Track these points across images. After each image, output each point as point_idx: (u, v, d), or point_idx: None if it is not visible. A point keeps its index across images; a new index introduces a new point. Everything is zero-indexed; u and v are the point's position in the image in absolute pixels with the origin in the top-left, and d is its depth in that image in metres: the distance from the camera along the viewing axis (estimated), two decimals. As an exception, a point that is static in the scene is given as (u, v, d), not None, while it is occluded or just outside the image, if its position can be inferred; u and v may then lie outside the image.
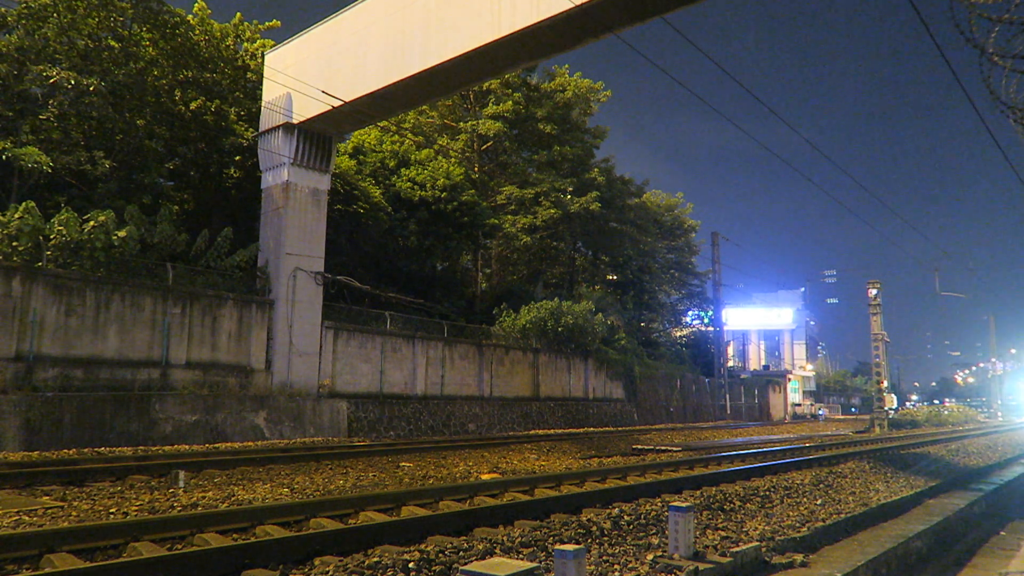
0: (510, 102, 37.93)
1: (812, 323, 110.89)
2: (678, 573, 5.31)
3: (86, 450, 15.10)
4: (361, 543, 6.35)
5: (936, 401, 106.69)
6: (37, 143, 19.70)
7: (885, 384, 41.52)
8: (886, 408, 40.10)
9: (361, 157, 31.36)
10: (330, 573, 5.33)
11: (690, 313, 61.76)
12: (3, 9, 20.75)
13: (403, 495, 8.75)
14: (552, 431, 27.91)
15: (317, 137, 23.01)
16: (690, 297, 60.90)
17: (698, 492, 10.18)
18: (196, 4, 26.38)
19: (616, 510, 8.16)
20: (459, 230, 32.49)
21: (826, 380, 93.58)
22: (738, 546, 6.18)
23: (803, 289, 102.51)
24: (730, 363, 65.53)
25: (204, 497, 8.99)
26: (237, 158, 25.81)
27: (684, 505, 5.83)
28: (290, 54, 22.76)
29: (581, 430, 29.24)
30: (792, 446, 20.89)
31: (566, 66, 41.88)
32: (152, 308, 18.87)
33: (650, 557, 5.80)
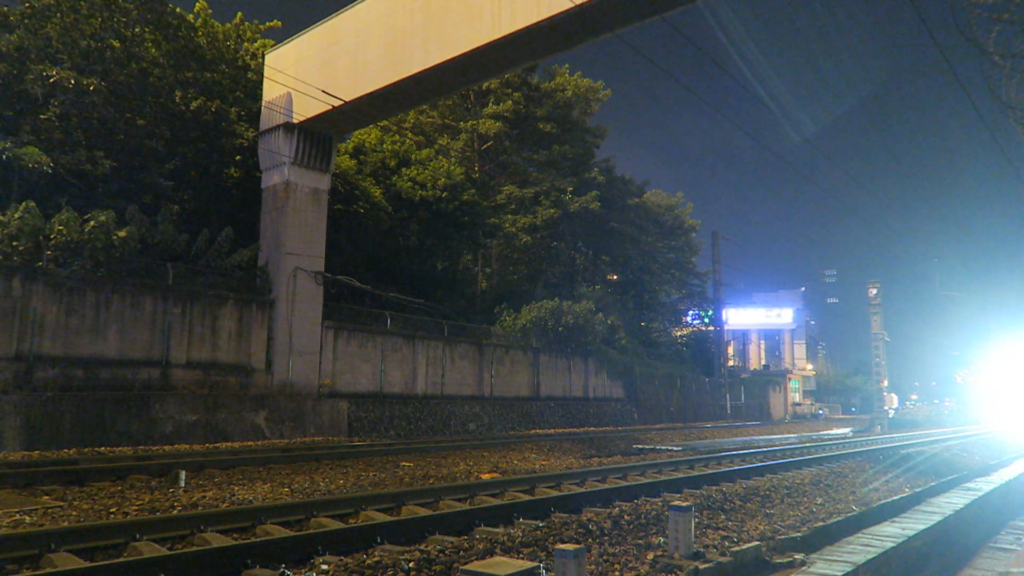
0: (510, 102, 37.94)
1: (812, 323, 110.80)
2: (678, 573, 5.31)
3: (86, 450, 15.11)
4: (361, 543, 6.36)
5: (936, 401, 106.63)
6: (38, 143, 19.67)
7: (886, 383, 41.52)
8: (887, 408, 40.09)
9: (361, 157, 31.34)
10: (330, 573, 5.34)
11: (690, 313, 61.71)
12: (5, 8, 20.72)
13: (403, 495, 8.76)
14: (552, 431, 27.90)
15: (317, 137, 23.01)
16: (690, 297, 60.85)
17: (698, 491, 10.18)
18: (197, 4, 26.37)
19: (616, 509, 8.17)
20: (460, 230, 32.48)
21: (826, 380, 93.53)
22: (738, 545, 6.19)
23: (803, 289, 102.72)
24: (730, 363, 65.51)
25: (204, 497, 8.99)
26: (237, 158, 25.79)
27: (684, 505, 5.84)
28: (290, 54, 22.77)
29: (581, 430, 29.25)
30: (792, 446, 20.90)
31: (566, 66, 41.95)
32: (152, 308, 18.88)
33: (650, 556, 5.81)
